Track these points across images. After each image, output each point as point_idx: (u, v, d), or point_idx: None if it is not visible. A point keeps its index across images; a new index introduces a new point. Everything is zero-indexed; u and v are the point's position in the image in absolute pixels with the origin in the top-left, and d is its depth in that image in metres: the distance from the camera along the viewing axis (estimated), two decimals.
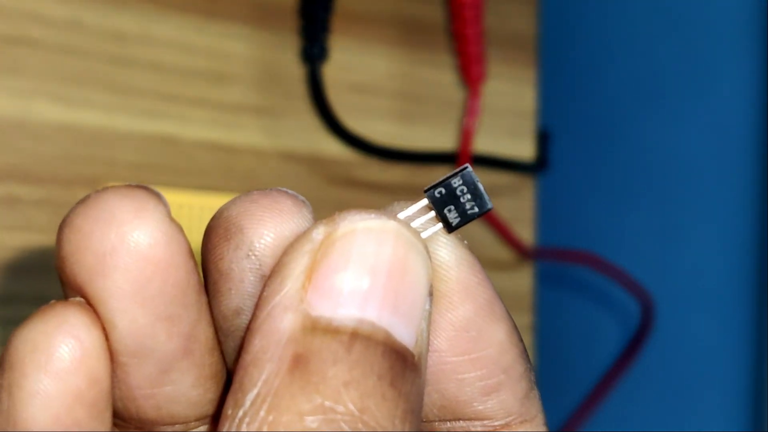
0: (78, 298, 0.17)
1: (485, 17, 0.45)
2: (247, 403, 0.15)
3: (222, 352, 0.18)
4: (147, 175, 0.37)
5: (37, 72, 0.35)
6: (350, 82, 0.43)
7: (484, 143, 0.45)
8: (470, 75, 0.45)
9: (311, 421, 0.14)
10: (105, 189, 0.17)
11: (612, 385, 0.46)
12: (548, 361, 0.50)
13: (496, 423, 0.18)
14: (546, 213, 0.50)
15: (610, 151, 0.50)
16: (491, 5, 0.46)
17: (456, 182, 0.18)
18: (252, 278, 0.17)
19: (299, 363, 0.15)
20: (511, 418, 0.18)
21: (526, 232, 0.48)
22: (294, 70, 0.41)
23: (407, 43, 0.44)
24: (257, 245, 0.17)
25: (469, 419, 0.18)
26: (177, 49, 0.38)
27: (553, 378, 0.50)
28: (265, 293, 0.16)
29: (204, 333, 0.18)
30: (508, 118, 0.48)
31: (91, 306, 0.17)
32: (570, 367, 0.50)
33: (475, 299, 0.17)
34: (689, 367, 0.46)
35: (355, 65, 0.43)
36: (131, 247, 0.16)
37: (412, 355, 0.16)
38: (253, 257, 0.17)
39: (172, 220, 0.17)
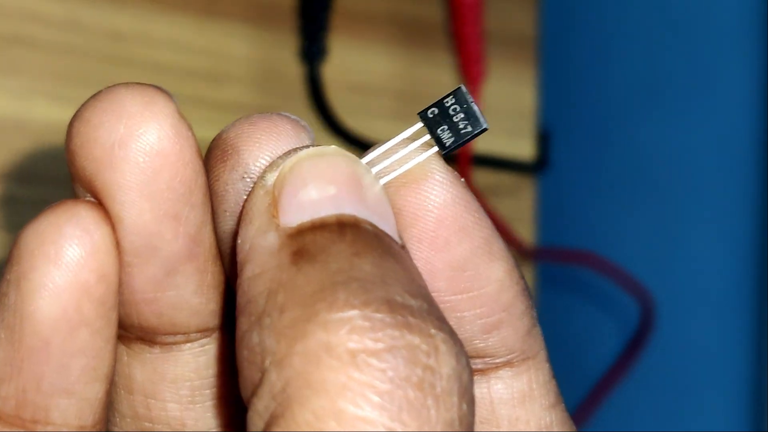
0: (88, 197, 0.17)
1: (485, 16, 0.45)
2: (261, 302, 0.15)
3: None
4: None
5: (35, 72, 0.35)
6: (349, 82, 0.42)
7: (483, 143, 0.45)
8: (470, 74, 0.45)
9: (329, 285, 0.14)
10: (116, 85, 0.16)
11: (612, 386, 0.46)
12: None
13: (498, 360, 0.18)
14: (546, 213, 0.50)
15: (611, 151, 0.50)
16: (491, 4, 0.46)
17: (449, 101, 0.17)
18: None
19: (299, 255, 0.15)
20: (513, 355, 0.18)
21: (526, 232, 0.48)
22: (293, 69, 0.41)
23: (407, 42, 0.44)
24: (253, 167, 0.17)
25: (471, 357, 0.18)
26: (175, 48, 0.38)
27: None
28: (238, 242, 0.16)
29: (209, 238, 0.17)
30: (507, 118, 0.47)
31: (100, 204, 0.16)
32: (570, 368, 0.50)
33: (472, 238, 0.17)
34: (689, 368, 0.46)
35: (354, 65, 0.43)
36: (140, 139, 0.16)
37: (403, 245, 0.16)
38: (248, 179, 0.17)
39: (181, 116, 0.16)
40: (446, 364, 0.14)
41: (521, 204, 0.48)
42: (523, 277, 0.18)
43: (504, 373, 0.18)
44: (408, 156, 0.17)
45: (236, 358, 0.15)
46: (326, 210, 0.15)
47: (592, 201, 0.50)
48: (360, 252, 0.15)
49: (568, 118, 0.51)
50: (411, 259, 0.16)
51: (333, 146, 0.16)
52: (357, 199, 0.16)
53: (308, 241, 0.15)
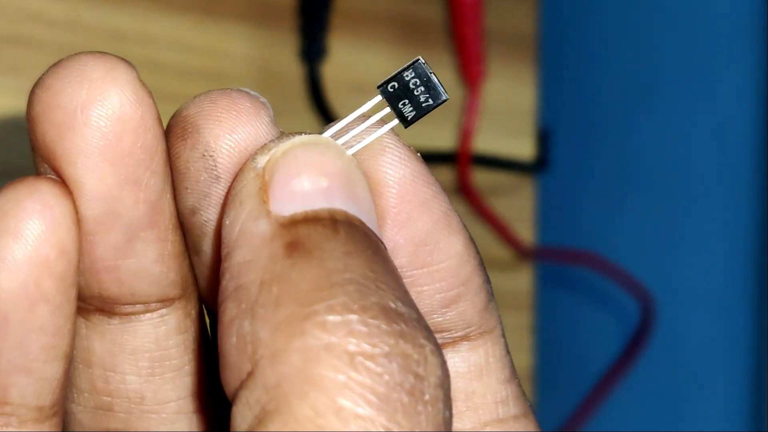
0: (50, 174, 0.17)
1: (485, 16, 0.45)
2: (253, 290, 0.15)
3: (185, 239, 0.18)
4: None
5: (36, 71, 0.35)
6: (349, 81, 0.42)
7: (483, 143, 0.45)
8: (470, 74, 0.45)
9: (326, 285, 0.14)
10: (77, 53, 0.17)
11: (612, 385, 0.46)
12: (548, 361, 0.50)
13: (456, 334, 0.18)
14: (546, 213, 0.50)
15: (611, 150, 0.50)
16: (491, 4, 0.46)
17: (408, 75, 0.17)
18: (207, 178, 0.17)
19: (293, 248, 0.15)
20: (470, 329, 0.18)
21: (526, 232, 0.48)
22: (293, 69, 0.41)
23: (407, 41, 0.44)
24: (213, 145, 0.17)
25: None
26: (176, 48, 0.38)
27: (553, 378, 0.50)
28: (225, 222, 0.16)
29: (169, 207, 0.17)
30: (507, 118, 0.47)
31: (60, 176, 0.17)
32: (570, 367, 0.50)
33: (432, 212, 0.17)
34: (689, 367, 0.46)
35: (354, 64, 0.43)
36: (102, 103, 0.16)
37: (381, 240, 0.16)
38: (208, 157, 0.17)
39: (142, 83, 0.17)
40: (433, 373, 0.14)
41: (521, 204, 0.48)
42: (478, 252, 0.18)
43: (461, 347, 0.18)
44: (366, 131, 0.17)
45: (220, 342, 0.15)
46: (318, 203, 0.15)
47: (592, 201, 0.50)
48: (352, 251, 0.15)
49: (568, 117, 0.51)
50: (389, 256, 0.16)
51: (325, 136, 0.17)
52: (347, 194, 0.16)
53: (302, 234, 0.15)
